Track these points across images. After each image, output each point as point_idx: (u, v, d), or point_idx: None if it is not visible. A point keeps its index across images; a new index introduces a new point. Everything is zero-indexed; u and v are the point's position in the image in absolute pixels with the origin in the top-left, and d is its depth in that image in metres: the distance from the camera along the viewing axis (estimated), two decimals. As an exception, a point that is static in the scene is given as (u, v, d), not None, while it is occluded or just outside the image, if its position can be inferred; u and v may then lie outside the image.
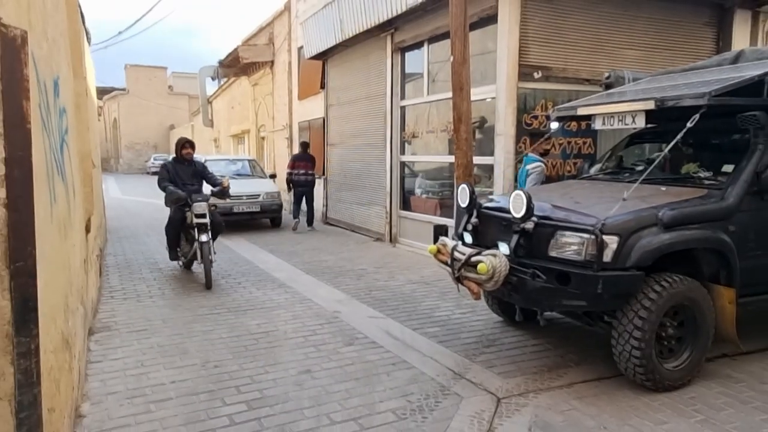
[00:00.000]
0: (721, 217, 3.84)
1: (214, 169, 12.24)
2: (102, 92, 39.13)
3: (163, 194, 6.99)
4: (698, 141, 4.81)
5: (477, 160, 6.96)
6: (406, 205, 9.68)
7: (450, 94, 7.10)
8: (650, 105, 4.17)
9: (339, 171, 12.04)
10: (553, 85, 7.22)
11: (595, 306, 3.71)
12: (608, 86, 5.71)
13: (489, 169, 7.46)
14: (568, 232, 3.69)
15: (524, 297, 3.80)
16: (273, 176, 13.04)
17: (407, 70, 9.69)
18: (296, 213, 11.48)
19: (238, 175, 12.21)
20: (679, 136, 3.93)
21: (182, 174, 6.99)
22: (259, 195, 11.22)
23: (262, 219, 11.71)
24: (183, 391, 3.61)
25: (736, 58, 4.94)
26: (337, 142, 12.09)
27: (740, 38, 7.90)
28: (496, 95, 7.15)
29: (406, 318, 5.27)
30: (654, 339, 3.59)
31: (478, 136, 7.73)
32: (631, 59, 7.35)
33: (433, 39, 8.55)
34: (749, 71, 4.25)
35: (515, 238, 3.86)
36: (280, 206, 11.54)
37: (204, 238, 6.39)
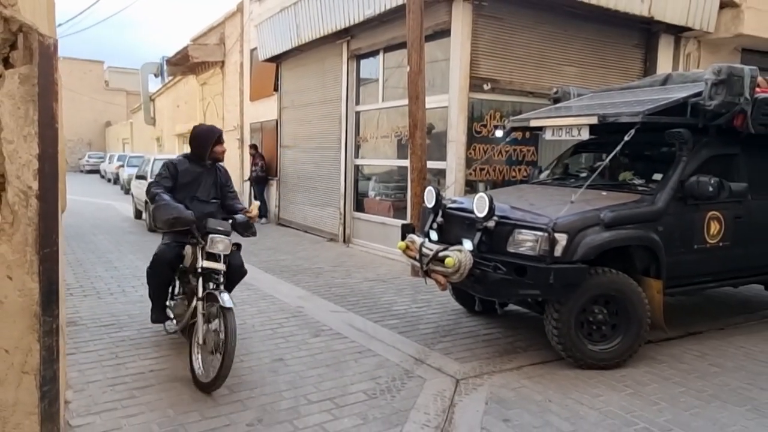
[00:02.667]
0: (652, 218, 4.43)
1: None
2: (33, 85, 37.27)
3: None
4: (634, 152, 5.45)
5: (429, 164, 7.39)
6: (359, 206, 10.00)
7: (403, 101, 7.54)
8: (594, 120, 4.81)
9: (292, 173, 12.22)
10: (500, 97, 7.77)
11: (547, 295, 4.16)
12: (556, 100, 6.34)
13: (440, 173, 7.91)
14: (524, 230, 4.15)
15: (486, 288, 4.24)
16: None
17: (362, 76, 10.05)
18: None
19: None
20: (618, 148, 4.53)
21: (197, 182, 4.29)
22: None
23: None
24: (163, 378, 3.79)
25: (665, 81, 5.65)
26: (291, 144, 12.28)
27: (664, 60, 8.78)
28: (449, 104, 7.61)
29: (367, 312, 5.60)
30: (574, 322, 4.11)
31: (428, 141, 8.17)
32: (570, 75, 8.03)
33: (389, 48, 8.94)
34: (676, 93, 4.95)
35: (478, 235, 4.29)
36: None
37: (226, 300, 3.64)
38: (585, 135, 4.97)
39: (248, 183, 13.00)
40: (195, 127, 4.49)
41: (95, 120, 44.43)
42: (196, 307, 3.84)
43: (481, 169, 7.69)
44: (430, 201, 4.88)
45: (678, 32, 8.78)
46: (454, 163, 7.54)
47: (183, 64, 17.53)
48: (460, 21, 7.34)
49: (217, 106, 16.83)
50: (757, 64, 5.81)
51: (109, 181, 27.96)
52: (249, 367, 4.05)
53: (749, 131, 4.71)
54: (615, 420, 3.41)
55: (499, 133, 6.65)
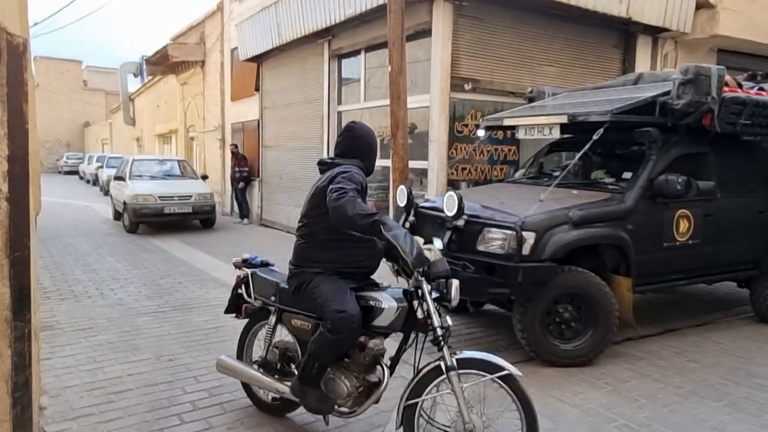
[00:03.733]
0: (621, 217, 4.45)
1: (142, 170, 12.26)
2: (8, 85, 36.53)
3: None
4: (606, 151, 5.53)
5: (411, 164, 7.39)
6: (342, 206, 9.94)
7: (385, 101, 7.52)
8: (564, 119, 4.87)
9: (275, 173, 12.15)
10: (481, 96, 7.80)
11: (516, 293, 4.18)
12: (531, 100, 6.39)
13: (422, 173, 7.92)
14: (493, 229, 4.20)
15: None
16: (205, 177, 13.01)
17: (344, 76, 10.02)
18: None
19: (168, 175, 12.14)
20: (586, 147, 4.58)
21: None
22: (191, 196, 11.15)
23: (193, 220, 11.66)
24: (141, 382, 3.74)
25: (637, 80, 5.72)
26: (273, 144, 12.20)
27: (642, 60, 8.89)
28: (430, 104, 7.62)
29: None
30: (539, 320, 4.16)
31: (410, 141, 8.18)
32: (550, 75, 8.09)
33: (370, 48, 8.93)
34: (646, 92, 5.00)
35: (448, 234, 4.32)
36: (213, 207, 11.53)
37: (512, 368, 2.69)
38: (556, 134, 5.03)
39: (234, 184, 12.86)
40: (358, 127, 3.03)
41: (73, 120, 43.71)
42: (442, 384, 2.64)
43: (463, 169, 7.72)
44: (401, 200, 4.89)
45: (655, 33, 8.91)
46: (435, 163, 7.56)
47: (163, 64, 17.31)
48: (441, 21, 7.35)
49: (198, 106, 16.66)
50: (732, 64, 5.96)
51: (88, 182, 27.53)
52: (230, 369, 4.00)
53: (717, 130, 4.77)
54: (595, 417, 3.44)
55: (481, 133, 6.68)
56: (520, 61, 7.99)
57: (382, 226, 2.46)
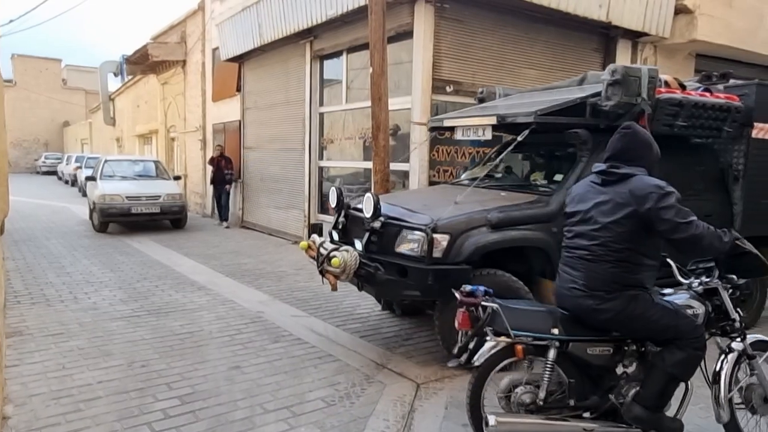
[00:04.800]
0: (545, 219, 4.32)
1: (116, 170, 12.23)
2: (-15, 83, 35.84)
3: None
4: (547, 152, 5.50)
5: (393, 166, 7.35)
6: (323, 208, 9.90)
7: (367, 103, 7.46)
8: (493, 120, 4.84)
9: (256, 175, 12.03)
10: (462, 99, 7.77)
11: (428, 296, 4.15)
12: (481, 100, 6.24)
13: (404, 175, 7.89)
14: (408, 231, 4.15)
15: (375, 288, 4.26)
16: (178, 178, 13.05)
17: (326, 77, 9.95)
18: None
19: (140, 176, 12.24)
20: (510, 149, 4.65)
21: None
22: (159, 196, 11.19)
23: (163, 220, 11.62)
24: (112, 390, 3.63)
25: (582, 81, 5.61)
26: (255, 145, 12.08)
27: (622, 63, 8.94)
28: (412, 106, 7.59)
29: (329, 316, 5.52)
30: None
31: (392, 143, 8.14)
32: (530, 78, 8.11)
33: (352, 49, 8.88)
34: (588, 92, 4.92)
35: (366, 235, 4.30)
36: (182, 208, 11.54)
37: None
38: (488, 135, 4.96)
39: (218, 186, 12.35)
40: (638, 128, 2.89)
41: (52, 120, 42.94)
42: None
43: (445, 171, 7.69)
44: (332, 201, 4.87)
45: (635, 37, 8.98)
46: (417, 165, 7.53)
47: (143, 63, 17.06)
48: (423, 23, 7.33)
49: (179, 107, 16.46)
50: (711, 69, 5.98)
51: (66, 182, 27.04)
52: (203, 375, 3.92)
53: (653, 132, 4.68)
54: (573, 421, 3.41)
55: (458, 136, 6.65)
56: (501, 63, 7.99)
57: (737, 242, 2.68)
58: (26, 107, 41.43)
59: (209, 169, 14.04)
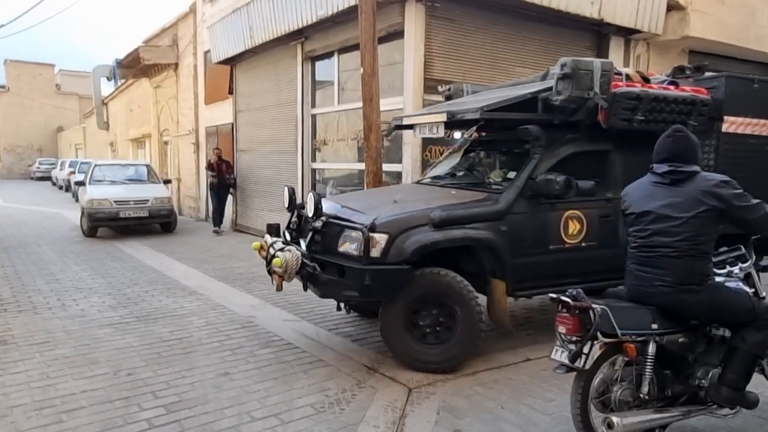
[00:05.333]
0: (493, 218, 4.23)
1: (106, 174, 12.23)
2: (-23, 89, 35.66)
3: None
4: (509, 150, 5.38)
5: (386, 167, 7.28)
6: (317, 211, 9.80)
7: (359, 104, 7.39)
8: (443, 117, 4.76)
9: (249, 177, 11.95)
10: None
11: (366, 296, 4.12)
12: (448, 98, 6.09)
13: (397, 176, 7.82)
14: (348, 231, 4.11)
15: (318, 288, 4.22)
16: (168, 182, 13.08)
17: (318, 79, 9.88)
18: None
19: (130, 180, 12.30)
20: (457, 146, 4.62)
21: None
22: (147, 200, 11.23)
23: (152, 224, 11.59)
24: (96, 399, 3.55)
25: (545, 76, 5.50)
26: (247, 148, 12.00)
27: (615, 61, 8.68)
28: (404, 106, 7.52)
29: (321, 320, 5.44)
30: (402, 323, 4.04)
31: (387, 144, 8.07)
32: (523, 76, 8.02)
33: (344, 50, 8.81)
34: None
35: (309, 235, 4.32)
36: (170, 211, 11.54)
37: None
38: (441, 132, 4.92)
39: (218, 191, 11.83)
40: (687, 131, 3.03)
41: (46, 125, 42.77)
42: None
43: (438, 172, 7.62)
44: (285, 201, 4.85)
45: (628, 34, 8.94)
46: (410, 166, 7.46)
47: (135, 67, 16.95)
48: (413, 22, 7.26)
49: (172, 110, 16.35)
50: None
51: (60, 188, 26.90)
52: (191, 383, 3.83)
53: (611, 126, 4.49)
54: (568, 425, 3.32)
55: (457, 135, 6.55)
56: (494, 62, 7.93)
57: None
58: (20, 113, 41.27)
59: (204, 173, 13.96)
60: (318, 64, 9.77)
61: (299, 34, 9.36)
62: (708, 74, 5.13)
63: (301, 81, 9.83)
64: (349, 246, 4.06)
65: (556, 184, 4.15)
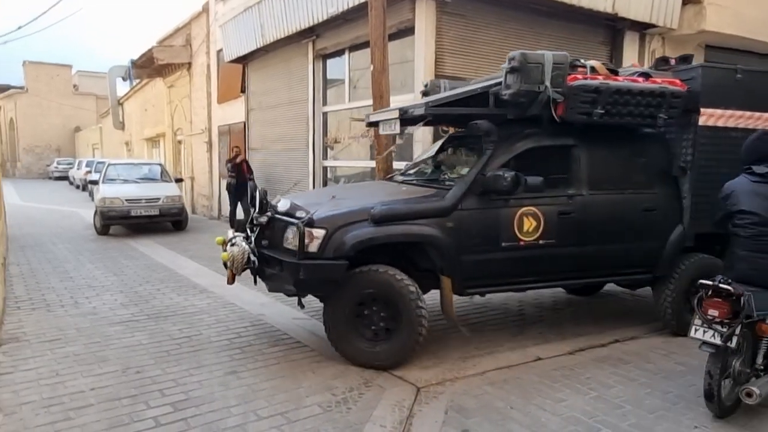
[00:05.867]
0: (438, 214, 4.18)
1: (120, 173, 12.38)
2: (-3, 90, 36.26)
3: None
4: (478, 146, 5.22)
5: (397, 164, 7.24)
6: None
7: (371, 101, 7.35)
8: (396, 114, 4.77)
9: (261, 176, 11.96)
10: (466, 95, 7.64)
11: (301, 290, 4.16)
12: (425, 94, 5.99)
13: (408, 174, 7.76)
14: (290, 226, 4.13)
15: (266, 282, 4.34)
16: (179, 180, 13.26)
17: (329, 77, 9.86)
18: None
19: (142, 179, 12.46)
20: (397, 142, 4.81)
21: None
22: (158, 199, 11.35)
23: (164, 222, 11.69)
24: (104, 397, 3.56)
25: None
26: (259, 146, 12.03)
27: (630, 57, 8.76)
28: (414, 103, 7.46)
29: (330, 318, 5.41)
30: (346, 319, 4.07)
31: (399, 141, 8.01)
32: (536, 73, 7.94)
33: (354, 47, 8.78)
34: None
35: (257, 230, 4.38)
36: (181, 210, 11.64)
37: None
38: (397, 128, 4.92)
39: (238, 195, 11.39)
40: None
41: (64, 125, 43.32)
42: None
43: (449, 169, 7.56)
44: (256, 204, 4.80)
45: (643, 29, 8.79)
46: (420, 163, 7.39)
47: (149, 67, 17.10)
48: (424, 18, 7.21)
49: (185, 109, 16.47)
50: (721, 60, 5.80)
51: (77, 187, 27.23)
52: (198, 381, 3.83)
53: (569, 120, 4.36)
54: (577, 426, 3.28)
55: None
56: (505, 58, 7.82)
57: None
58: (38, 113, 41.84)
59: (217, 172, 14.02)
60: (329, 62, 9.76)
61: (310, 32, 9.36)
62: (686, 66, 4.93)
63: (313, 79, 9.82)
64: (290, 241, 4.11)
65: (504, 180, 4.08)
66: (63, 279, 7.08)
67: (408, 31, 7.51)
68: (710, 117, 4.65)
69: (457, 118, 4.97)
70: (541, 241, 4.40)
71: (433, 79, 6.21)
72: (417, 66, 7.36)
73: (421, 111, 4.50)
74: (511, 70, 4.22)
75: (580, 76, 4.36)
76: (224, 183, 12.70)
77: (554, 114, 4.34)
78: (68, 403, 3.45)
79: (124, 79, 22.16)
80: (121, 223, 11.34)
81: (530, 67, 4.17)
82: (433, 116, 4.59)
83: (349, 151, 9.53)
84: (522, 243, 4.36)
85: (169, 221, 11.73)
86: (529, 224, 4.36)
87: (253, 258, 4.23)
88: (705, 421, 3.36)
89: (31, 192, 24.28)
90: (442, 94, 4.89)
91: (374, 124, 5.69)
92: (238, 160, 11.06)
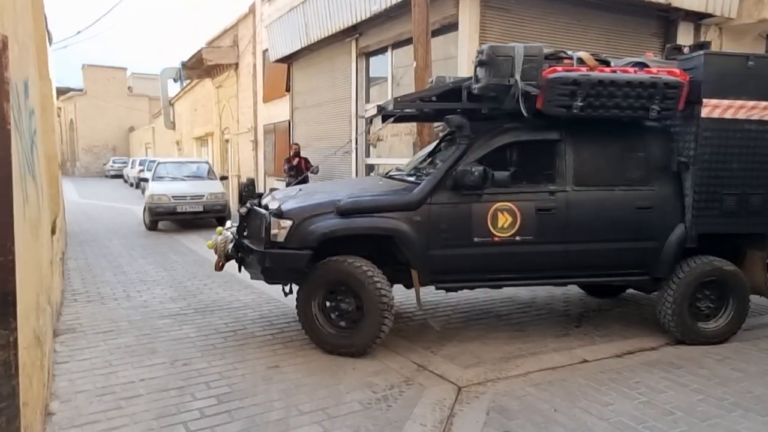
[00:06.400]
0: (404, 208, 4.21)
1: (168, 171, 12.89)
2: (58, 93, 37.97)
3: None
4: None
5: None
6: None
7: (413, 99, 7.32)
8: (374, 110, 4.93)
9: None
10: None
11: (268, 279, 4.43)
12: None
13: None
14: (264, 218, 4.32)
15: (247, 270, 4.61)
16: (224, 178, 13.67)
17: (372, 75, 9.89)
18: None
19: (188, 177, 12.93)
20: (363, 138, 4.49)
21: None
22: (203, 196, 11.73)
23: (208, 218, 11.99)
24: (153, 388, 3.68)
25: None
26: (303, 144, 12.15)
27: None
28: (458, 100, 7.38)
29: (372, 315, 5.42)
30: (316, 307, 4.28)
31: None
32: (584, 67, 7.72)
33: (397, 44, 8.77)
34: None
35: (239, 221, 4.64)
36: (224, 206, 11.92)
37: None
38: (379, 123, 5.16)
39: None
40: None
41: (119, 126, 45.12)
42: None
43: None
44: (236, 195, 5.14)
45: (698, 19, 8.42)
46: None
47: (198, 68, 17.61)
48: (468, 14, 7.13)
49: (232, 109, 16.86)
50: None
51: (131, 185, 28.32)
52: (242, 375, 3.91)
53: (548, 114, 4.24)
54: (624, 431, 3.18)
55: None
56: (552, 53, 7.65)
57: None
58: (96, 114, 43.71)
59: (262, 169, 14.29)
60: (372, 59, 9.78)
61: (353, 30, 9.41)
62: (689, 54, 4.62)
63: (356, 77, 9.87)
64: (263, 231, 4.30)
65: (471, 175, 4.10)
66: (117, 273, 7.37)
67: (451, 27, 7.44)
68: (715, 108, 4.32)
69: (437, 113, 5.06)
70: (517, 238, 4.33)
71: (440, 76, 6.16)
72: (460, 62, 7.28)
73: (390, 106, 4.63)
74: (480, 64, 4.20)
75: (560, 68, 4.21)
76: (270, 181, 12.98)
77: (535, 108, 4.26)
78: (119, 393, 3.59)
79: (175, 81, 22.89)
80: (168, 219, 11.80)
81: (499, 61, 4.11)
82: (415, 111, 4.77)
83: (392, 148, 9.53)
84: (496, 239, 4.31)
85: (213, 217, 12.05)
86: (504, 220, 4.31)
87: (233, 247, 4.58)
88: (763, 429, 3.19)
89: (89, 190, 25.42)
90: (420, 91, 5.18)
91: (370, 120, 6.08)
92: (294, 162, 11.01)
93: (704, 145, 4.38)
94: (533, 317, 5.41)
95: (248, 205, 4.62)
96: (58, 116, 18.66)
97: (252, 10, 14.77)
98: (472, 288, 4.70)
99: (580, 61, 4.37)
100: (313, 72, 11.53)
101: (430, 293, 6.13)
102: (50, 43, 7.42)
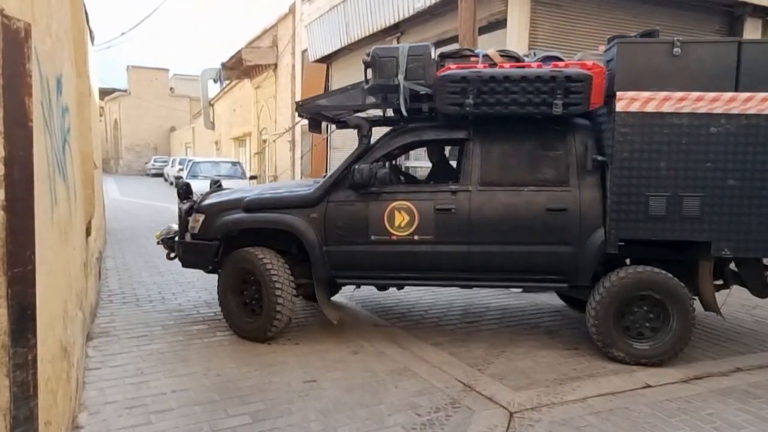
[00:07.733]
0: (301, 205, 4.46)
1: (199, 170, 13.14)
2: (103, 93, 39.05)
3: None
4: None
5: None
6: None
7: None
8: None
9: (342, 175, 11.97)
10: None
11: (185, 265, 5.01)
12: None
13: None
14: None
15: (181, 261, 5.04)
16: (254, 177, 14.01)
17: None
18: None
19: (221, 176, 13.15)
20: (282, 135, 4.52)
21: None
22: None
23: None
24: (184, 401, 3.49)
25: None
26: (341, 145, 12.00)
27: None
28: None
29: (413, 326, 5.16)
30: (229, 294, 4.65)
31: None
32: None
33: (440, 43, 8.46)
34: None
35: (182, 216, 5.00)
36: None
37: None
38: (333, 127, 5.57)
39: None
40: None
41: (161, 125, 46.13)
42: None
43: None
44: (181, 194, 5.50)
45: (766, 15, 7.83)
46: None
47: (238, 69, 17.70)
48: (517, 10, 6.79)
49: (270, 109, 16.86)
50: None
51: (171, 184, 28.77)
52: (277, 389, 3.68)
53: (443, 112, 4.22)
54: (704, 474, 2.81)
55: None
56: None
57: None
58: (139, 114, 44.80)
59: (300, 170, 14.20)
60: (413, 59, 9.51)
61: (395, 29, 9.17)
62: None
63: (396, 77, 9.62)
64: (191, 225, 4.83)
65: (358, 174, 4.21)
66: (153, 274, 7.29)
67: (499, 24, 7.12)
68: (633, 101, 3.93)
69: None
70: (415, 237, 4.34)
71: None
72: (508, 61, 6.94)
73: (298, 109, 4.89)
74: (365, 66, 4.29)
75: (453, 66, 4.16)
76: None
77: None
78: (150, 405, 3.41)
79: (214, 81, 23.16)
80: None
81: (383, 62, 4.19)
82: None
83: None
84: (394, 237, 4.36)
85: None
86: (401, 219, 4.34)
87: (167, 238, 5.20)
88: None
89: (130, 188, 25.93)
90: (322, 94, 5.55)
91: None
92: None
93: (621, 141, 4.00)
94: (586, 334, 5.03)
95: (186, 201, 5.16)
96: (101, 116, 19.02)
97: (292, 10, 14.71)
98: (374, 285, 4.82)
99: (487, 57, 4.27)
100: (352, 72, 11.32)
101: (476, 300, 5.83)
102: (92, 42, 7.41)
